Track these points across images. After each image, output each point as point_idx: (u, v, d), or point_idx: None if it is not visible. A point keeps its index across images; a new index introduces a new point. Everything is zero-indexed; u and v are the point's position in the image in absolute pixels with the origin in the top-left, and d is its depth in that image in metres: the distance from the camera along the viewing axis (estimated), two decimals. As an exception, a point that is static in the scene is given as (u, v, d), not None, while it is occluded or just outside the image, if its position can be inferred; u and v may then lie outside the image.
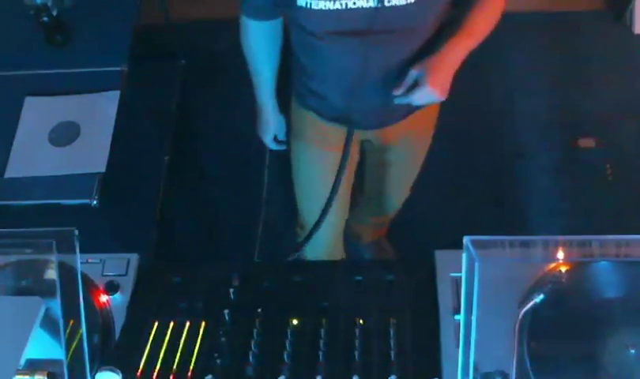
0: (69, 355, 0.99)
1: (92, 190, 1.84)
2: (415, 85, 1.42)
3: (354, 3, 1.33)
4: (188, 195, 2.64)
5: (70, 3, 2.17)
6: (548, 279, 1.07)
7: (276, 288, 1.19)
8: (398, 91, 1.43)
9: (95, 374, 1.03)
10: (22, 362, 1.00)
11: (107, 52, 2.10)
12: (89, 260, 1.23)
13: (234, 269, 1.23)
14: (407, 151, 1.87)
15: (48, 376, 0.98)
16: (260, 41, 1.61)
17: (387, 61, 1.45)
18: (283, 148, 1.85)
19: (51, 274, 1.01)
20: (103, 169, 1.87)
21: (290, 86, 1.73)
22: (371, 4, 1.33)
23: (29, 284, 1.11)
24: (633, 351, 1.00)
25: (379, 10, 1.33)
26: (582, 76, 2.94)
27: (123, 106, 2.01)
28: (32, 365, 1.00)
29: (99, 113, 1.99)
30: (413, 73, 1.41)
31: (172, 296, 1.19)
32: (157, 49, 2.84)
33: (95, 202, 1.83)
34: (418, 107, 1.58)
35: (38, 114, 2.00)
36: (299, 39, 1.53)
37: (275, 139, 1.83)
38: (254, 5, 1.53)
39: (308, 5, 1.35)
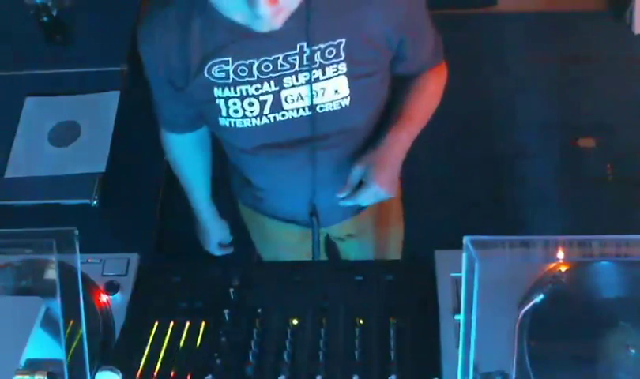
0: (69, 355, 0.99)
1: (92, 190, 1.83)
2: (360, 184, 1.31)
3: (282, 115, 1.24)
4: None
5: (70, 3, 2.16)
6: (548, 279, 1.07)
7: (276, 288, 1.19)
8: (343, 194, 1.31)
9: (95, 374, 1.03)
10: (22, 362, 1.00)
11: (107, 52, 2.10)
12: (89, 260, 1.23)
13: (234, 269, 1.23)
14: (372, 241, 1.71)
15: (48, 376, 0.98)
16: (186, 152, 1.50)
17: (329, 164, 1.34)
18: (230, 251, 1.74)
19: (51, 274, 1.01)
20: (103, 169, 1.87)
21: (230, 187, 1.61)
22: (302, 113, 1.24)
23: (29, 284, 1.11)
24: (633, 351, 1.00)
25: (312, 118, 1.24)
26: (582, 76, 2.94)
27: (123, 106, 2.00)
28: (32, 365, 1.00)
29: (99, 113, 1.99)
30: (357, 171, 1.30)
31: (172, 296, 1.19)
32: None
33: (95, 202, 1.83)
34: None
35: (38, 114, 1.99)
36: (230, 151, 1.43)
37: (220, 244, 1.72)
38: (169, 121, 1.42)
39: (232, 124, 1.25)
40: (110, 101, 2.01)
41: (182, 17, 1.18)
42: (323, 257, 1.77)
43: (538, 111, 2.83)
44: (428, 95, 1.39)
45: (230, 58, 1.19)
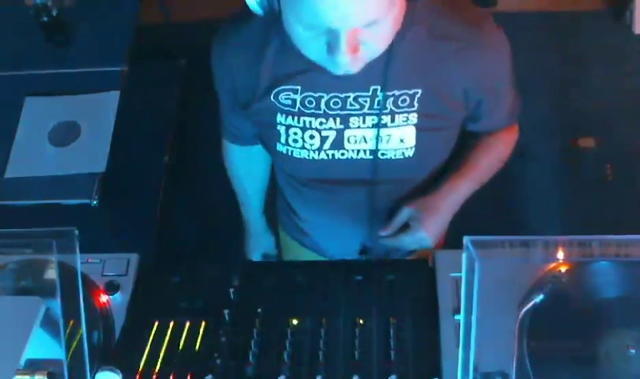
0: (69, 355, 0.99)
1: (92, 190, 1.84)
2: (405, 226, 1.28)
3: (342, 154, 1.21)
4: (188, 195, 2.64)
5: (70, 3, 2.17)
6: (548, 279, 1.07)
7: (276, 288, 1.19)
8: (385, 232, 1.29)
9: (95, 374, 1.03)
10: (22, 362, 1.00)
11: (107, 52, 2.11)
12: (89, 260, 1.23)
13: (234, 269, 1.23)
14: None
15: (48, 376, 0.98)
16: (244, 165, 1.49)
17: (385, 207, 1.32)
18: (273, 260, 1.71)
19: (51, 274, 1.01)
20: (103, 169, 1.88)
21: (275, 210, 1.59)
22: (362, 156, 1.21)
23: (29, 284, 1.11)
24: (633, 351, 1.00)
25: (372, 163, 1.21)
26: (582, 76, 2.94)
27: (123, 106, 2.01)
28: (32, 365, 1.00)
29: (99, 113, 1.99)
30: (406, 212, 1.27)
31: (172, 296, 1.19)
32: (157, 49, 2.84)
33: (95, 202, 1.83)
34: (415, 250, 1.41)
35: (38, 114, 2.00)
36: (282, 179, 1.41)
37: (265, 255, 1.70)
38: (232, 133, 1.41)
39: (289, 152, 1.23)
40: (110, 101, 2.01)
41: (258, 39, 1.17)
42: None
43: (538, 111, 2.83)
44: (495, 155, 1.35)
45: (299, 88, 1.17)
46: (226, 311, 1.15)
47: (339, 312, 1.14)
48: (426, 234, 1.27)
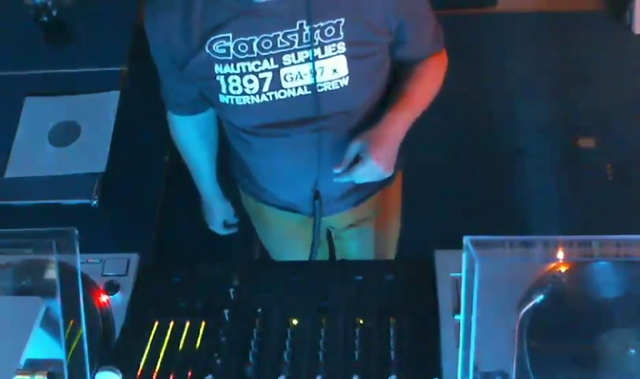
0: (69, 355, 0.99)
1: (92, 190, 1.84)
2: (356, 160, 1.31)
3: (282, 94, 1.25)
4: (188, 195, 2.64)
5: (70, 3, 2.17)
6: (548, 279, 1.07)
7: (276, 288, 1.19)
8: (339, 168, 1.31)
9: (95, 374, 1.03)
10: (22, 362, 1.00)
11: (107, 52, 2.10)
12: (89, 260, 1.23)
13: (234, 269, 1.23)
14: (371, 232, 1.70)
15: (48, 376, 0.98)
16: (190, 135, 1.51)
17: (332, 147, 1.34)
18: (235, 230, 1.76)
19: (51, 274, 1.01)
20: (103, 169, 1.87)
21: (230, 175, 1.63)
22: (301, 92, 1.25)
23: (29, 284, 1.11)
24: (633, 351, 1.00)
25: (311, 98, 1.25)
26: (582, 76, 2.94)
27: (123, 106, 2.01)
28: (32, 365, 1.00)
29: (99, 113, 1.99)
30: (354, 146, 1.30)
31: (172, 296, 1.19)
32: (157, 49, 2.83)
33: (95, 202, 1.83)
34: (370, 192, 1.50)
35: (38, 114, 1.99)
36: (230, 133, 1.44)
37: (225, 224, 1.74)
38: (174, 102, 1.43)
39: (232, 102, 1.26)
40: (110, 101, 2.01)
41: None
42: (324, 245, 1.80)
43: (538, 111, 2.83)
44: (428, 80, 1.40)
45: (231, 34, 1.21)
46: (226, 311, 1.15)
47: (339, 312, 1.14)
48: (377, 162, 1.29)
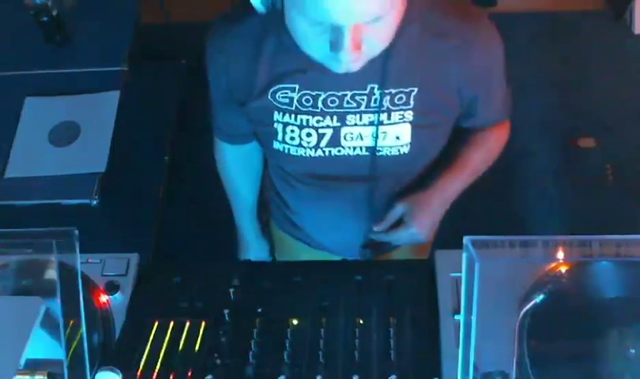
0: (69, 355, 0.99)
1: (92, 190, 1.84)
2: (399, 222, 1.30)
3: (339, 151, 1.22)
4: (188, 195, 2.64)
5: (70, 3, 2.17)
6: (548, 279, 1.07)
7: (276, 288, 1.19)
8: (378, 228, 1.30)
9: (95, 374, 1.03)
10: (22, 362, 1.00)
11: (107, 52, 2.11)
12: (89, 260, 1.23)
13: (234, 269, 1.23)
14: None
15: (48, 376, 0.98)
16: (236, 163, 1.47)
17: (373, 203, 1.33)
18: None
19: (51, 274, 1.01)
20: (103, 169, 1.88)
21: (265, 204, 1.58)
22: (359, 152, 1.22)
23: (29, 284, 1.11)
24: (633, 351, 1.00)
25: (369, 159, 1.22)
26: (582, 76, 2.94)
27: (123, 106, 2.01)
28: (32, 365, 1.00)
29: (99, 113, 1.99)
30: (399, 208, 1.29)
31: (172, 296, 1.19)
32: (157, 49, 2.84)
33: (95, 202, 1.83)
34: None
35: (38, 114, 2.00)
36: (276, 172, 1.41)
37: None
38: (223, 131, 1.40)
39: (286, 150, 1.23)
40: (110, 101, 2.01)
41: (256, 35, 1.17)
42: None
43: (538, 111, 2.83)
44: (487, 150, 1.36)
45: (297, 86, 1.17)
46: (226, 311, 1.15)
47: (339, 312, 1.14)
48: (418, 229, 1.29)
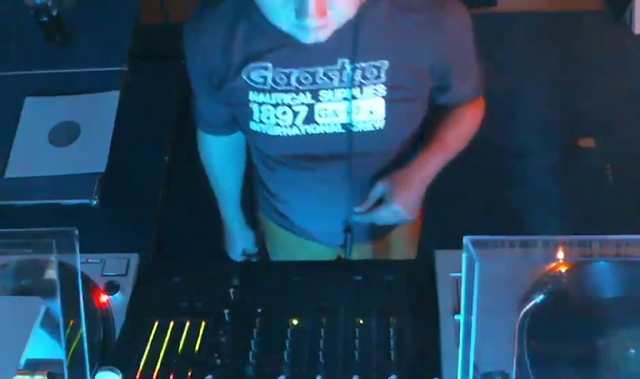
0: (69, 355, 0.99)
1: (92, 190, 1.84)
2: (380, 202, 1.30)
3: (314, 128, 1.23)
4: (188, 195, 2.64)
5: (70, 3, 2.17)
6: (548, 279, 1.07)
7: (276, 288, 1.19)
8: (361, 208, 1.31)
9: (95, 374, 1.03)
10: (22, 362, 1.00)
11: (107, 52, 2.11)
12: (89, 260, 1.23)
13: (234, 269, 1.23)
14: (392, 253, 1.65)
15: (48, 376, 0.98)
16: (218, 155, 1.49)
17: (353, 183, 1.33)
18: (254, 260, 1.70)
19: (51, 274, 1.01)
20: (103, 169, 1.88)
21: (255, 197, 1.60)
22: (335, 129, 1.23)
23: (29, 284, 1.11)
24: (633, 351, 1.00)
25: (344, 136, 1.23)
26: (582, 76, 2.94)
27: (123, 106, 2.01)
28: (32, 365, 1.00)
29: (99, 113, 1.99)
30: (379, 188, 1.30)
31: (172, 296, 1.19)
32: (157, 49, 2.83)
33: (95, 202, 1.83)
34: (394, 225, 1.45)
35: (38, 114, 2.00)
36: (257, 158, 1.42)
37: (244, 252, 1.68)
38: (206, 121, 1.41)
39: (263, 131, 1.25)
40: (110, 101, 2.01)
41: (229, 19, 1.20)
42: None
43: (538, 111, 2.83)
44: (464, 127, 1.38)
45: (270, 64, 1.19)
46: (226, 311, 1.15)
47: (339, 312, 1.14)
48: (400, 207, 1.29)
